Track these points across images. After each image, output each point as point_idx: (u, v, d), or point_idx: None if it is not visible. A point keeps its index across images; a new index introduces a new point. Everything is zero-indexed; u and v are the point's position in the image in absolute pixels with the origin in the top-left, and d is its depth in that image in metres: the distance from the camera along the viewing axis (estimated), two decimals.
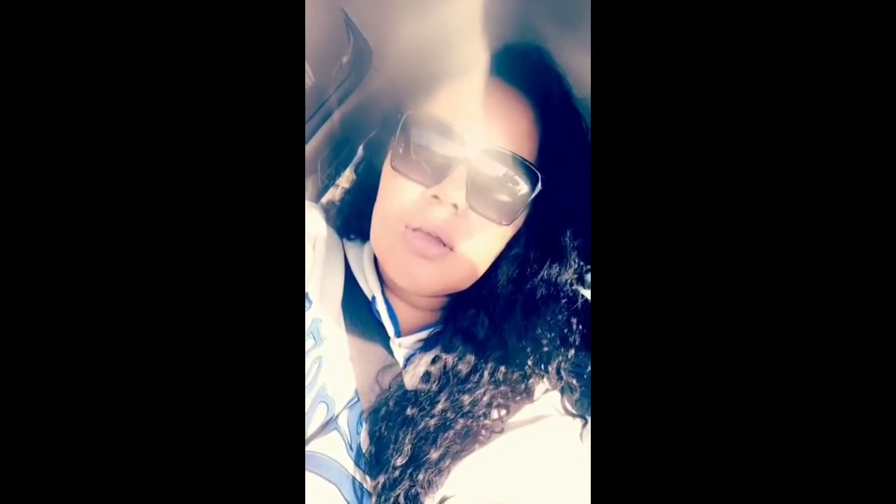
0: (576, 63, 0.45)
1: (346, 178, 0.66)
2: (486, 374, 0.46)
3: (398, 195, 0.44)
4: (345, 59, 0.62)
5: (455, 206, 0.42)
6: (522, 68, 0.46)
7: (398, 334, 0.49)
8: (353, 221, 0.56)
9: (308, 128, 0.68)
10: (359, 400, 0.46)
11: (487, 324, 0.47)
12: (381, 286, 0.50)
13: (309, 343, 0.47)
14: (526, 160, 0.43)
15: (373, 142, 0.56)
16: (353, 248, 0.54)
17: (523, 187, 0.44)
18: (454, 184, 0.42)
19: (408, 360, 0.48)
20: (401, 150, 0.44)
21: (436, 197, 0.42)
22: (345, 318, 0.49)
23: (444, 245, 0.43)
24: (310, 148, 0.70)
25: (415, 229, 0.43)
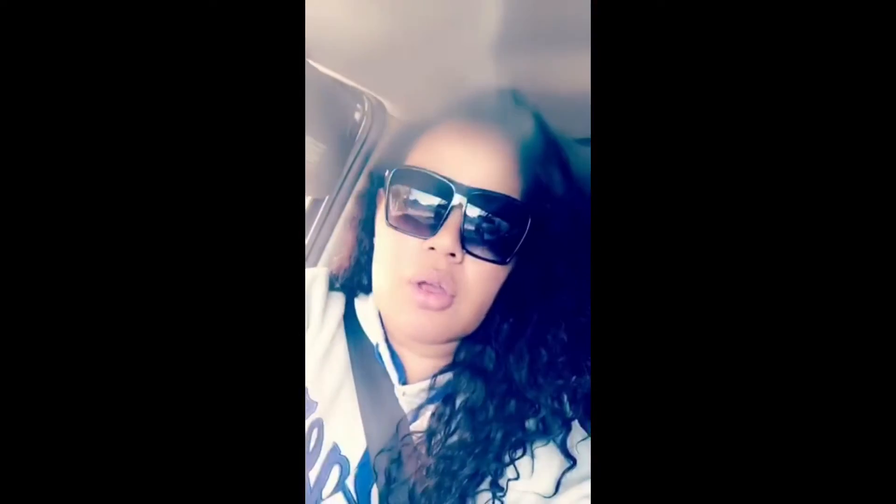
0: (549, 101, 0.47)
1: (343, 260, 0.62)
2: (494, 409, 0.45)
3: (396, 251, 0.45)
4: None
5: (452, 254, 0.43)
6: (496, 111, 0.48)
7: (403, 382, 0.49)
8: (357, 279, 0.56)
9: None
10: (368, 456, 0.46)
11: (495, 357, 0.47)
12: (385, 336, 0.51)
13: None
14: (514, 199, 0.44)
15: (361, 197, 0.57)
16: (361, 303, 0.54)
17: (515, 225, 0.44)
18: (448, 233, 0.43)
19: (417, 411, 0.48)
20: (393, 206, 0.46)
21: (432, 248, 0.43)
22: (353, 373, 0.50)
23: (448, 294, 0.44)
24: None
25: (419, 283, 0.44)
